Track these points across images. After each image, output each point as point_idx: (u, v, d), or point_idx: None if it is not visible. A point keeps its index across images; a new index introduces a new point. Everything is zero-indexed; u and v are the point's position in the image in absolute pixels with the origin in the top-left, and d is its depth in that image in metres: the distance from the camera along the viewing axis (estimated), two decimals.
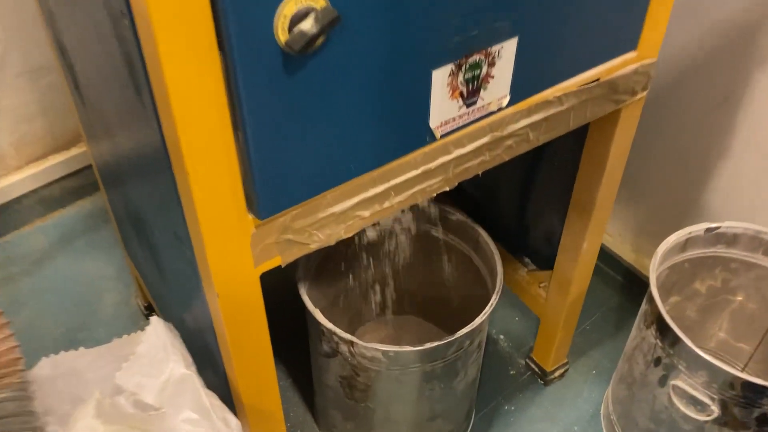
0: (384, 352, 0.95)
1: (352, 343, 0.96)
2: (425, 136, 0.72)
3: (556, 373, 1.34)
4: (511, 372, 1.35)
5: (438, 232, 1.20)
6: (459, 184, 0.82)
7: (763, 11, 1.06)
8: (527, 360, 1.36)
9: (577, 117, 0.86)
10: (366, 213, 0.74)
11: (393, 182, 0.74)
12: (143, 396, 0.76)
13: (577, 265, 1.11)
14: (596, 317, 1.45)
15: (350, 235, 0.75)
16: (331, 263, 1.18)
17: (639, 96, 0.92)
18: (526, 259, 1.28)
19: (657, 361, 1.05)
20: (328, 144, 0.64)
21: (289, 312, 1.10)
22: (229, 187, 0.62)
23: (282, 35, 0.55)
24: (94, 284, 1.50)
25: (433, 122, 0.71)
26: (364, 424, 1.11)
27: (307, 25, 0.54)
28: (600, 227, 1.09)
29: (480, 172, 0.82)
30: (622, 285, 1.50)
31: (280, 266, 0.72)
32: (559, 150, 1.07)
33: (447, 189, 0.80)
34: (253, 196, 0.63)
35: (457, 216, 1.15)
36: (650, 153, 1.33)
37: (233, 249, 0.67)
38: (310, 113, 0.61)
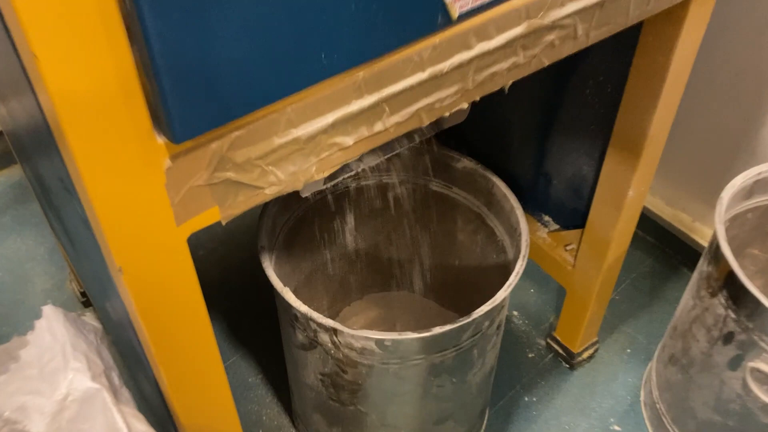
0: (378, 342, 0.71)
1: (335, 330, 0.71)
2: (436, 14, 0.47)
3: (584, 354, 1.10)
4: (530, 355, 1.12)
5: (439, 186, 0.95)
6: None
7: None
8: (548, 340, 1.12)
9: (638, 5, 0.62)
10: (348, 140, 0.49)
11: (387, 91, 0.49)
12: (28, 425, 0.51)
13: (618, 220, 0.87)
14: (625, 285, 1.22)
15: (325, 174, 0.50)
16: (306, 228, 0.93)
17: None
18: (546, 217, 1.04)
19: (728, 338, 0.82)
20: (282, 17, 0.39)
21: (261, 290, 0.85)
22: (118, 88, 0.37)
23: None
24: (22, 267, 1.24)
25: None
26: (354, 431, 0.87)
27: None
28: (650, 168, 0.84)
29: (508, 84, 0.57)
30: (653, 246, 1.27)
31: (221, 224, 0.47)
32: (595, 65, 0.82)
33: (464, 106, 0.55)
34: (161, 105, 0.38)
35: (464, 163, 0.90)
36: (694, 80, 1.08)
37: (137, 195, 0.41)
38: None
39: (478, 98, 0.55)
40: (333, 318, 1.09)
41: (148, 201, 0.42)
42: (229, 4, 0.37)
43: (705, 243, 1.18)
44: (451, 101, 0.53)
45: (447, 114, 0.54)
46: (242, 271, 1.23)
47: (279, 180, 0.47)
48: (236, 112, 0.41)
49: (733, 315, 0.80)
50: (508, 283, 0.75)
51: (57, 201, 0.65)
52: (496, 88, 0.57)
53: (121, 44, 0.35)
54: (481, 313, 0.72)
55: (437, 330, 0.70)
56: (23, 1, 0.31)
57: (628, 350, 1.13)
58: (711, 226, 1.18)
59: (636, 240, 1.26)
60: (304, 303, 0.73)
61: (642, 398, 1.07)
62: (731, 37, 1.01)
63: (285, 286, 0.75)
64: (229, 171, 0.45)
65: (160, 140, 0.40)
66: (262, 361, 1.10)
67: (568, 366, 1.11)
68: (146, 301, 0.47)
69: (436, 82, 0.51)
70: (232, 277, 1.23)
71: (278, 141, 0.45)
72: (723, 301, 0.81)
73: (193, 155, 0.42)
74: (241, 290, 1.20)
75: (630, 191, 0.84)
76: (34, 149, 0.65)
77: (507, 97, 0.97)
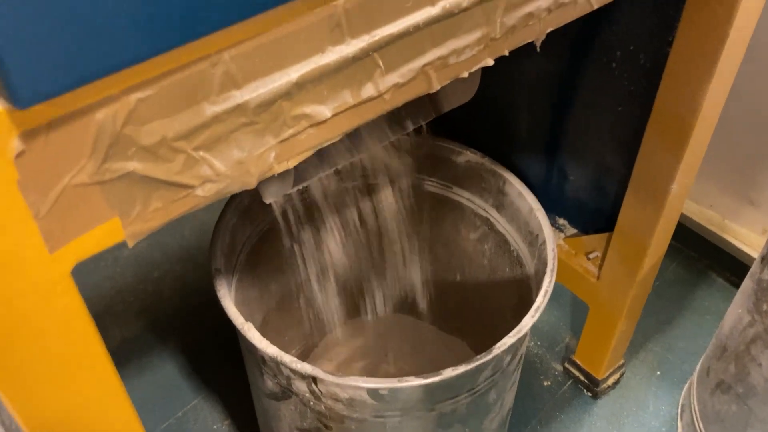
0: (371, 391, 0.54)
1: (313, 378, 0.54)
2: None
3: (610, 380, 0.94)
4: (546, 383, 0.95)
5: (436, 186, 0.78)
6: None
7: None
8: (566, 364, 0.96)
9: None
10: (324, 110, 0.33)
11: (380, 32, 0.32)
12: None
13: (659, 219, 0.71)
14: (649, 296, 1.05)
15: (290, 164, 0.33)
16: (275, 242, 0.76)
17: None
18: (561, 220, 0.88)
19: None
20: None
21: (228, 318, 0.67)
22: None
23: None
24: None
25: None
26: None
27: None
28: (698, 156, 0.69)
29: (544, 35, 0.41)
30: (675, 249, 1.11)
31: (131, 244, 0.30)
32: (627, 34, 0.66)
33: (489, 62, 0.38)
34: None
35: (468, 156, 0.73)
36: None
37: None
38: None
39: (507, 52, 0.39)
40: (311, 349, 0.92)
41: None
42: None
43: (738, 244, 1.03)
44: (471, 54, 0.37)
45: (466, 74, 0.37)
46: (205, 294, 1.05)
47: (217, 173, 0.30)
48: (134, 55, 0.24)
49: None
50: (535, 306, 0.59)
51: None
52: (530, 39, 0.40)
53: None
54: (505, 347, 0.55)
55: (449, 373, 0.53)
56: None
57: (658, 372, 0.97)
58: (748, 226, 1.03)
59: None
60: (277, 334, 0.56)
61: (679, 429, 0.90)
62: None
63: (251, 316, 0.58)
64: (133, 159, 0.27)
65: (0, 106, 0.23)
66: (229, 404, 0.92)
67: (590, 394, 0.94)
68: (11, 359, 0.29)
69: (451, 22, 0.34)
70: (192, 302, 1.05)
71: (212, 109, 0.28)
72: None
73: (66, 131, 0.25)
74: (204, 318, 1.02)
75: (674, 185, 0.68)
76: None
77: (513, 73, 0.81)
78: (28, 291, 0.27)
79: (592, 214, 0.83)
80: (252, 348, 0.57)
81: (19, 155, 0.24)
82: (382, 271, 0.89)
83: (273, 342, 0.55)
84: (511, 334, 0.57)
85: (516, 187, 0.70)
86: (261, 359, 0.58)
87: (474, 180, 0.74)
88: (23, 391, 0.30)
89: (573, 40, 0.71)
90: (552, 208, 0.88)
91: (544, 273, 0.63)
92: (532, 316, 0.58)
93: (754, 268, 0.74)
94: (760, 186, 0.98)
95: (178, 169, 0.29)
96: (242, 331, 0.56)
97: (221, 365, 0.96)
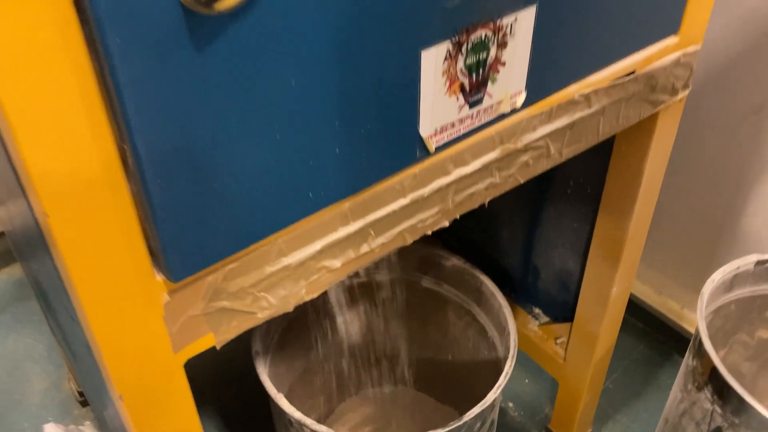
0: None
1: None
2: (414, 149, 0.51)
3: None
4: None
5: (429, 282, 0.97)
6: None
7: None
8: None
9: (607, 123, 0.66)
10: (336, 263, 0.52)
11: (372, 217, 0.52)
12: None
13: (604, 315, 0.90)
14: (618, 373, 1.23)
15: (314, 295, 0.53)
16: (298, 328, 0.95)
17: (680, 96, 0.72)
18: (537, 310, 1.06)
19: None
20: (271, 162, 0.43)
21: (256, 385, 0.86)
22: (120, 235, 0.40)
23: None
24: (20, 366, 1.25)
25: (425, 129, 0.50)
26: None
27: None
28: (632, 267, 0.87)
29: (487, 201, 0.61)
30: (644, 332, 1.28)
31: (215, 347, 0.50)
32: (575, 169, 0.86)
33: (446, 224, 0.58)
34: (160, 249, 0.41)
35: (453, 261, 0.93)
36: (675, 171, 1.12)
37: (137, 328, 0.44)
38: (238, 113, 0.39)
39: (458, 216, 0.59)
40: (327, 415, 1.10)
41: (147, 333, 0.45)
42: (225, 153, 0.40)
43: (693, 330, 1.20)
44: (432, 221, 0.57)
45: (429, 232, 0.57)
46: (237, 365, 1.24)
47: (270, 304, 0.50)
48: (231, 250, 0.45)
49: (719, 410, 0.82)
50: (497, 384, 0.77)
51: (60, 318, 0.68)
52: (475, 206, 0.60)
53: (124, 198, 0.39)
54: (472, 416, 0.74)
55: None
56: (35, 170, 0.35)
57: None
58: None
59: (627, 327, 1.28)
60: (300, 401, 0.74)
61: None
62: (706, 132, 1.06)
63: (280, 387, 0.76)
64: (224, 300, 0.47)
65: (159, 278, 0.43)
66: None
67: None
68: (145, 424, 0.49)
69: (417, 205, 0.54)
70: (224, 373, 1.23)
71: (270, 269, 0.48)
72: (709, 395, 0.83)
73: (190, 289, 0.45)
74: (236, 386, 1.21)
75: (614, 288, 0.87)
76: (38, 268, 0.68)
77: (495, 199, 1.01)
78: (160, 373, 0.47)
79: (560, 306, 1.02)
80: (281, 413, 0.76)
81: (166, 303, 0.44)
82: (388, 351, 1.08)
83: (297, 408, 0.74)
84: (478, 405, 0.75)
85: (490, 287, 0.89)
86: (288, 422, 0.77)
87: (459, 280, 0.94)
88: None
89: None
90: (529, 300, 1.07)
91: (507, 357, 0.81)
92: (494, 393, 0.76)
93: (686, 354, 0.91)
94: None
95: (248, 304, 0.49)
96: (275, 399, 0.75)
97: (255, 428, 1.14)
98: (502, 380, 0.77)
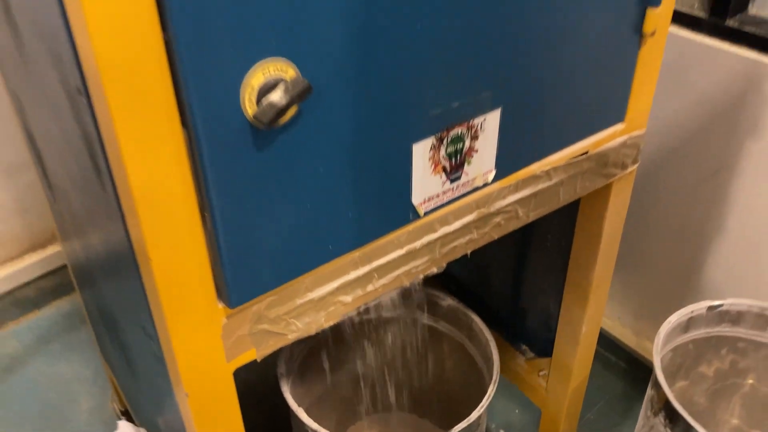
0: None
1: None
2: (408, 213, 0.68)
3: None
4: None
5: (428, 319, 1.14)
6: (447, 266, 0.77)
7: (749, 82, 1.05)
8: None
9: (567, 192, 0.83)
10: (347, 298, 0.69)
11: (376, 263, 0.69)
12: None
13: (577, 351, 1.05)
14: (600, 405, 1.37)
15: (332, 323, 0.70)
16: (316, 356, 1.11)
17: (630, 169, 0.89)
18: (524, 347, 1.22)
19: None
20: (303, 223, 0.60)
21: (270, 411, 1.02)
22: (197, 274, 0.57)
23: (249, 107, 0.51)
24: (69, 389, 1.42)
25: (416, 199, 0.67)
26: None
27: (277, 97, 0.51)
28: (598, 309, 1.03)
29: (469, 252, 0.78)
30: (624, 370, 1.43)
31: (255, 360, 0.66)
32: (551, 227, 1.03)
33: (435, 271, 0.75)
34: (223, 283, 0.58)
35: (448, 301, 1.09)
36: (645, 229, 1.29)
37: (203, 342, 0.61)
38: (282, 191, 0.57)
39: (444, 265, 0.76)
40: None
41: (209, 346, 0.61)
42: (272, 219, 0.57)
43: None
44: (423, 267, 0.74)
45: (421, 276, 0.74)
46: (257, 390, 1.40)
47: (299, 329, 0.67)
48: (272, 286, 0.62)
49: None
50: (480, 405, 0.92)
51: (127, 340, 0.85)
52: (458, 256, 0.77)
53: (201, 248, 0.56)
54: (458, 430, 0.89)
55: None
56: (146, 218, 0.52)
57: None
58: None
59: (609, 365, 1.43)
60: (315, 421, 0.90)
61: None
62: (669, 193, 1.23)
63: (299, 406, 0.92)
64: (265, 323, 0.64)
65: (220, 305, 0.60)
66: None
67: None
68: (202, 417, 0.65)
69: (411, 255, 0.71)
70: (248, 395, 1.39)
71: (299, 301, 0.65)
72: (663, 420, 0.98)
73: (242, 315, 0.62)
74: (255, 407, 1.36)
75: (583, 327, 1.03)
76: (112, 297, 0.85)
77: (487, 245, 1.18)
78: (220, 378, 0.64)
79: (543, 343, 1.17)
80: (300, 424, 0.91)
81: (224, 325, 0.61)
82: (393, 379, 1.24)
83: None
84: (463, 421, 0.90)
85: (479, 325, 1.05)
86: None
87: (453, 318, 1.10)
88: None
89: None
90: (518, 337, 1.23)
91: (490, 383, 0.97)
92: (478, 411, 0.92)
93: (648, 386, 1.06)
94: None
95: (282, 327, 0.66)
96: (296, 413, 0.91)
97: None
98: (485, 401, 0.93)
